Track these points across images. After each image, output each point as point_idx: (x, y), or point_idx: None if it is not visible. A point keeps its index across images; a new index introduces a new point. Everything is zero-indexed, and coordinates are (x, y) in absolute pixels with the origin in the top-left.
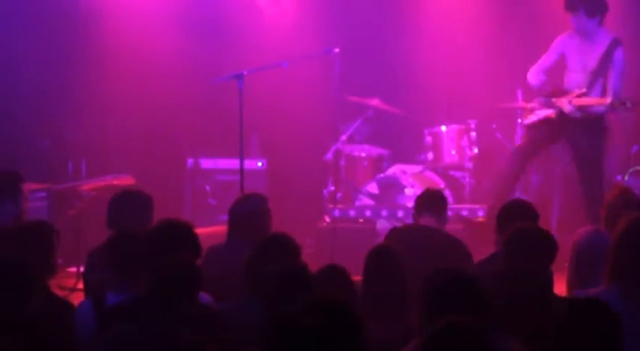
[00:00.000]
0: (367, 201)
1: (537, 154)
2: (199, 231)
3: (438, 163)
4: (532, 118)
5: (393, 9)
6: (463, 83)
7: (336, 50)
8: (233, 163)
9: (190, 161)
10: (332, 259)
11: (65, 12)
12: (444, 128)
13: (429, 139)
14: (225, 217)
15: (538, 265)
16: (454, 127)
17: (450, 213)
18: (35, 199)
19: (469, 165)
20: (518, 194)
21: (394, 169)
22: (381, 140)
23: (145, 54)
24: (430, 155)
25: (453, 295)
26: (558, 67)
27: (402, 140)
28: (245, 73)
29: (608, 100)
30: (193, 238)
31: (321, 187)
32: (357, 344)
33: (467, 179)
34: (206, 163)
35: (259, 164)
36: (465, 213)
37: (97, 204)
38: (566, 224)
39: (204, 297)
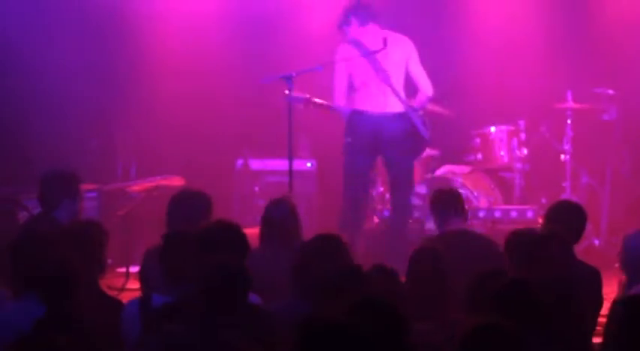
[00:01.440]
0: (416, 201)
1: None
2: (247, 231)
3: (487, 164)
4: None
5: (439, 8)
6: (512, 83)
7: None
8: (282, 164)
9: (239, 162)
10: (380, 260)
11: (114, 14)
12: (493, 129)
13: (477, 140)
14: None
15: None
16: (503, 127)
17: (498, 214)
18: (86, 199)
19: (518, 166)
20: (567, 195)
21: (443, 170)
22: (431, 141)
23: (193, 54)
24: (479, 156)
25: (506, 300)
26: None
27: (450, 141)
28: (294, 74)
29: None
30: (241, 239)
31: (370, 188)
32: (403, 345)
33: (516, 180)
34: (255, 164)
35: (308, 165)
36: (514, 214)
37: (147, 204)
38: (616, 225)
39: (254, 298)
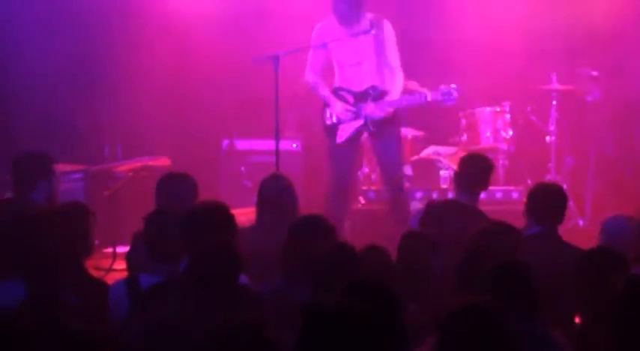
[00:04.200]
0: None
1: None
2: (234, 212)
3: (472, 145)
4: None
5: None
6: (498, 65)
7: (372, 32)
8: (268, 145)
9: (226, 142)
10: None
11: None
12: (478, 110)
13: (463, 121)
14: None
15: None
16: (488, 109)
17: (483, 195)
18: (72, 180)
19: (504, 147)
20: (552, 176)
21: (429, 151)
22: (416, 122)
23: (181, 35)
24: (465, 137)
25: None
26: None
27: (436, 122)
28: (281, 54)
29: None
30: (229, 220)
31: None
32: (398, 325)
33: (501, 161)
34: (241, 145)
35: (294, 145)
36: (499, 195)
37: (133, 185)
38: (600, 205)
39: (243, 278)
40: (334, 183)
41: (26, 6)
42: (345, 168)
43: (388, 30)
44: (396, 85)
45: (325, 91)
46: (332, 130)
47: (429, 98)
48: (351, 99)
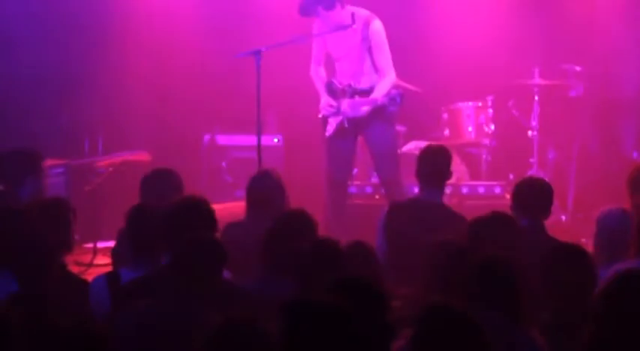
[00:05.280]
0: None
1: None
2: (215, 207)
3: (454, 139)
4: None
5: None
6: (480, 60)
7: (354, 26)
8: (249, 140)
9: (207, 137)
10: (348, 236)
11: None
12: (460, 105)
13: (445, 116)
14: (241, 194)
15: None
16: (471, 104)
17: (466, 190)
18: (53, 175)
19: (486, 142)
20: (534, 171)
21: (410, 146)
22: (398, 117)
23: (162, 30)
24: (447, 132)
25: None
26: None
27: (418, 117)
28: (263, 49)
29: None
30: (210, 215)
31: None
32: (385, 323)
33: (483, 156)
34: (222, 140)
35: (275, 140)
36: (481, 190)
37: (114, 180)
38: (582, 200)
39: (225, 273)
40: (327, 175)
41: (14, 3)
42: (337, 160)
43: (376, 29)
44: (380, 85)
45: (319, 84)
46: (323, 123)
47: (379, 102)
48: (337, 94)
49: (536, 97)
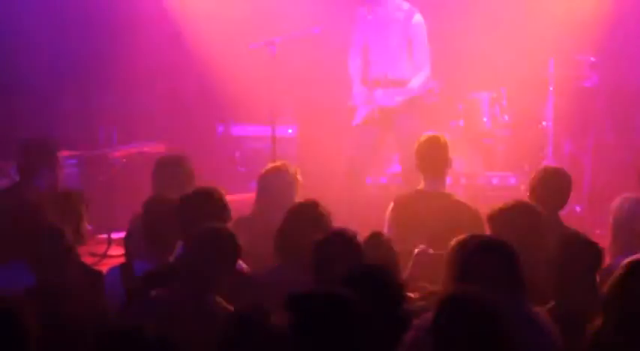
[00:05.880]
0: (399, 168)
1: None
2: (229, 198)
3: (469, 130)
4: None
5: None
6: (495, 51)
7: (370, 17)
8: (263, 130)
9: (220, 128)
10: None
11: None
12: (475, 96)
13: (460, 106)
14: (255, 185)
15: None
16: (485, 94)
17: (481, 180)
18: (67, 166)
19: (501, 132)
20: (548, 161)
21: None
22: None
23: (176, 21)
24: (461, 122)
25: (483, 263)
26: None
27: (433, 107)
28: (278, 40)
29: None
30: (224, 206)
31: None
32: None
33: (498, 147)
34: (236, 130)
35: (289, 131)
36: (496, 180)
37: (128, 171)
38: (597, 191)
39: (240, 264)
40: (349, 163)
41: None
42: (361, 149)
43: (417, 23)
44: (416, 78)
45: (354, 75)
46: (352, 111)
47: (415, 92)
48: (370, 83)
49: (551, 88)
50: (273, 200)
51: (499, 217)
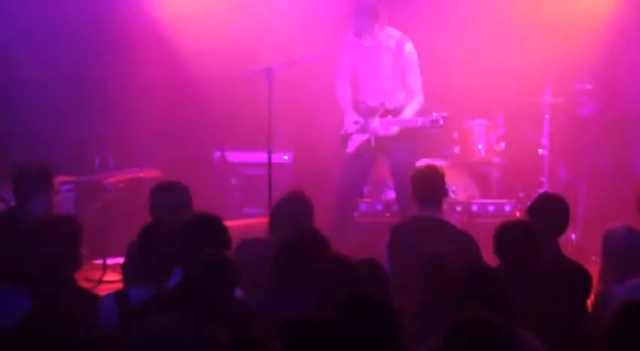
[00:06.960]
0: (394, 195)
1: None
2: (226, 224)
3: (465, 158)
4: None
5: (422, 3)
6: (490, 78)
7: (363, 44)
8: (259, 157)
9: (217, 154)
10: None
11: (96, 6)
12: (471, 123)
13: (456, 134)
14: (250, 211)
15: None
16: (482, 122)
17: (476, 208)
18: (62, 192)
19: (496, 160)
20: (545, 189)
21: (421, 164)
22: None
23: (172, 46)
24: (457, 150)
25: (477, 290)
26: None
27: (428, 135)
28: (274, 67)
29: None
30: (224, 232)
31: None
32: (396, 340)
33: (494, 174)
34: (232, 156)
35: (285, 158)
36: (491, 208)
37: (123, 197)
38: (593, 218)
39: (236, 292)
40: (341, 191)
41: (24, 16)
42: (352, 178)
43: (409, 52)
44: (410, 106)
45: (344, 101)
46: (344, 139)
47: (419, 124)
48: (364, 112)
49: (547, 116)
50: (290, 226)
51: (503, 232)
